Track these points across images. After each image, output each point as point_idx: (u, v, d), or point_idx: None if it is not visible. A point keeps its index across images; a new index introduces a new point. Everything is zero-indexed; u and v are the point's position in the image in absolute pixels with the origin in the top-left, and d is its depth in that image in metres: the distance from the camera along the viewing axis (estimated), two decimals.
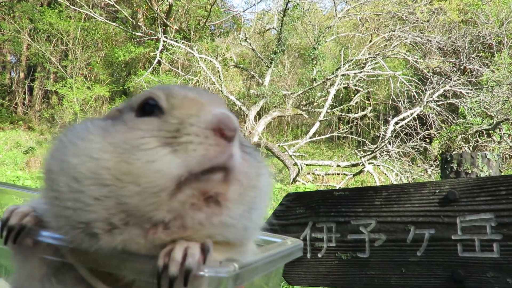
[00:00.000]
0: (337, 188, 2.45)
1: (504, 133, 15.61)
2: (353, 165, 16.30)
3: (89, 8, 22.34)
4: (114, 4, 22.21)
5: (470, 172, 2.20)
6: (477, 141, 15.92)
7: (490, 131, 15.94)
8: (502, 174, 2.05)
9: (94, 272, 1.01)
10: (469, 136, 16.00)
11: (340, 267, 2.29)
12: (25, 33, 25.13)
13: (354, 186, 14.88)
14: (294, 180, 15.45)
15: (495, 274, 1.87)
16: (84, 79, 24.27)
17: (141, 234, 0.95)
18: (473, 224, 1.95)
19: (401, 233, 2.13)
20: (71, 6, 22.51)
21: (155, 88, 1.10)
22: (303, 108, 21.07)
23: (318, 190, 2.54)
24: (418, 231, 2.08)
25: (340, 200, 2.37)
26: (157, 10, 21.98)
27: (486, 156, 2.21)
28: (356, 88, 21.28)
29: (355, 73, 19.58)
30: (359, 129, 22.73)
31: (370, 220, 2.23)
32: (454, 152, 2.23)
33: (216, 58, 21.09)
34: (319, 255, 2.36)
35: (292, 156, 16.64)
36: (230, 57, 23.15)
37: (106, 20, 22.87)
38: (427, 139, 17.24)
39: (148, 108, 1.05)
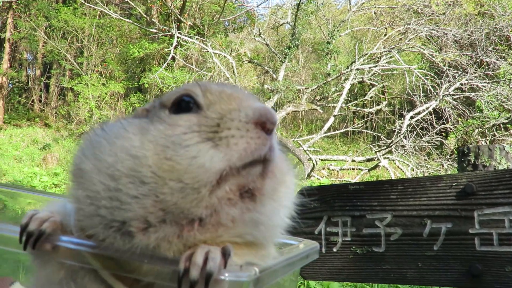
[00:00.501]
0: (356, 182, 2.43)
1: None
2: (368, 160, 16.22)
3: (104, 5, 22.43)
4: (128, 1, 22.33)
5: (487, 165, 2.16)
6: (494, 135, 15.75)
7: (508, 125, 15.76)
8: None
9: (114, 275, 1.01)
10: (486, 130, 15.83)
11: (356, 261, 2.28)
12: (41, 30, 25.37)
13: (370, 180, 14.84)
14: (309, 175, 15.41)
15: None
16: (99, 76, 24.45)
17: (176, 232, 0.95)
18: (491, 218, 1.92)
19: (417, 227, 2.11)
20: (86, 3, 22.70)
21: (190, 85, 1.10)
22: (318, 103, 20.99)
23: (333, 184, 2.52)
24: (434, 225, 2.06)
25: (355, 194, 2.35)
26: (171, 6, 22.01)
27: (504, 149, 2.17)
28: (371, 82, 21.15)
29: (369, 67, 19.45)
30: (374, 124, 22.61)
31: (386, 214, 2.21)
32: (471, 145, 2.20)
33: (230, 54, 21.10)
34: (334, 250, 2.35)
35: (307, 151, 16.59)
36: (244, 52, 23.14)
37: (120, 17, 22.94)
38: (443, 134, 17.09)
39: (184, 105, 1.05)
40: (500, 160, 2.15)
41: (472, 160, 2.21)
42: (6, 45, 26.55)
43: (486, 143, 15.10)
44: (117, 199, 0.95)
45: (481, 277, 1.91)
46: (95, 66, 25.17)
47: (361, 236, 2.27)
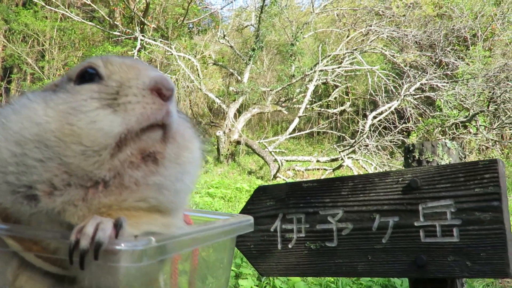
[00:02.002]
0: (309, 180, 2.50)
1: (480, 125, 15.88)
2: (332, 160, 16.42)
3: (65, 8, 22.10)
4: (91, 4, 22.01)
5: (431, 160, 2.26)
6: (454, 133, 16.16)
7: (467, 123, 16.19)
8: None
9: (39, 256, 1.01)
10: (446, 129, 16.23)
11: (310, 256, 2.35)
12: (0, 34, 24.79)
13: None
14: (275, 176, 15.51)
15: (455, 258, 1.93)
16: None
17: (81, 195, 0.98)
18: (434, 211, 2.01)
19: (367, 221, 2.19)
20: (46, 6, 22.25)
21: (93, 57, 1.13)
22: (283, 104, 21.13)
23: (288, 183, 2.60)
24: (383, 219, 2.15)
25: (308, 191, 2.42)
26: (134, 9, 21.83)
27: (446, 145, 2.28)
28: (335, 83, 21.38)
29: (333, 69, 19.70)
30: (338, 124, 22.86)
31: (338, 210, 2.29)
32: (416, 142, 2.31)
33: (195, 56, 21.06)
34: (289, 246, 2.42)
35: (272, 153, 16.70)
36: (209, 54, 23.12)
37: (82, 20, 22.64)
38: (405, 133, 17.44)
39: (88, 76, 1.08)
40: (443, 156, 2.26)
41: (417, 156, 2.31)
42: None
43: (444, 140, 15.47)
44: (23, 163, 0.97)
45: (425, 267, 2.00)
46: (57, 70, 24.71)
47: (314, 232, 2.35)
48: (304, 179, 15.26)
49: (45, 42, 24.86)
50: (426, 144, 2.30)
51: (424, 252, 2.02)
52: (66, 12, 21.56)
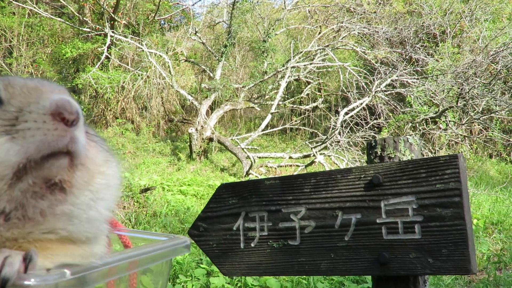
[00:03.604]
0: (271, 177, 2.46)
1: (449, 121, 16.12)
2: (305, 156, 16.48)
3: (33, 4, 21.65)
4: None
5: (393, 156, 2.24)
6: (424, 129, 16.38)
7: (436, 119, 16.42)
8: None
9: None
10: (417, 125, 16.44)
11: (272, 255, 2.31)
12: None
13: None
14: (247, 173, 15.48)
15: (417, 255, 1.92)
16: (30, 77, 23.55)
17: None
18: (396, 207, 1.99)
19: (330, 219, 2.16)
20: (14, 2, 21.78)
21: None
22: (255, 101, 21.11)
23: (250, 180, 2.55)
24: (345, 216, 2.12)
25: (271, 189, 2.38)
26: (104, 5, 21.51)
27: (408, 141, 2.26)
28: (307, 80, 21.47)
29: (305, 65, 19.73)
30: (311, 121, 22.95)
31: (300, 208, 2.25)
32: (377, 138, 2.26)
33: (167, 53, 20.85)
34: (252, 245, 2.37)
35: (245, 150, 16.66)
36: (181, 51, 22.93)
37: (51, 16, 22.19)
38: (376, 129, 17.60)
39: None
40: (404, 152, 2.24)
41: (379, 152, 2.28)
42: None
43: (405, 136, 15.67)
44: None
45: (388, 265, 1.98)
46: (25, 67, 24.20)
47: (277, 230, 2.31)
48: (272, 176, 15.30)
49: (12, 38, 24.32)
50: (388, 139, 2.27)
51: (386, 249, 1.99)
52: (34, 8, 21.11)
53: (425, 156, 2.30)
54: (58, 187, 0.97)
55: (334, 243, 2.14)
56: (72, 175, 0.99)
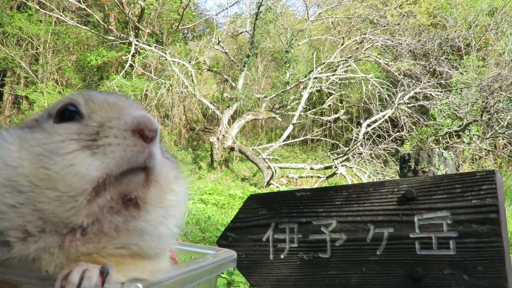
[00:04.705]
0: (302, 188, 2.45)
1: (473, 134, 15.91)
2: (326, 168, 16.41)
3: (60, 12, 22.02)
4: (85, 8, 21.96)
5: (427, 170, 2.22)
6: (448, 142, 16.18)
7: (460, 133, 16.21)
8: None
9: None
10: (440, 138, 16.25)
11: (302, 267, 2.30)
12: None
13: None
14: (268, 184, 15.46)
15: (451, 271, 1.89)
16: (55, 84, 23.91)
17: (57, 243, 0.93)
18: (430, 222, 1.97)
19: (361, 232, 2.14)
20: (41, 10, 22.18)
21: (75, 93, 1.09)
22: (277, 111, 21.13)
23: (280, 191, 2.54)
24: (377, 230, 2.10)
25: (301, 200, 2.37)
26: (129, 14, 21.79)
27: (442, 155, 2.24)
28: (329, 91, 21.42)
29: (327, 76, 19.73)
30: (332, 132, 22.87)
31: (331, 220, 2.24)
32: (410, 151, 2.26)
33: (189, 62, 21.02)
34: (282, 256, 2.36)
35: (266, 160, 16.66)
36: (204, 60, 23.09)
37: (77, 24, 22.55)
38: (398, 141, 17.44)
39: (68, 114, 1.04)
40: (439, 166, 2.21)
41: (413, 166, 2.27)
42: None
43: (440, 150, 15.49)
44: None
45: (421, 281, 1.96)
46: (51, 74, 24.60)
47: (307, 242, 2.30)
48: (298, 187, 15.25)
49: (39, 45, 24.74)
50: (422, 153, 2.25)
51: (419, 264, 1.97)
52: (61, 16, 21.48)
53: (460, 171, 2.27)
54: (132, 203, 0.98)
55: (366, 257, 2.12)
56: (146, 191, 1.00)
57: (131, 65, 21.01)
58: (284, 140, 18.84)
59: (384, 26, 20.88)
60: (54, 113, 1.05)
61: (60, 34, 24.80)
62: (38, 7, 22.16)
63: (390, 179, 14.49)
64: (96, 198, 0.93)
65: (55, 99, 21.32)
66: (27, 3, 22.84)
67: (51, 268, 0.93)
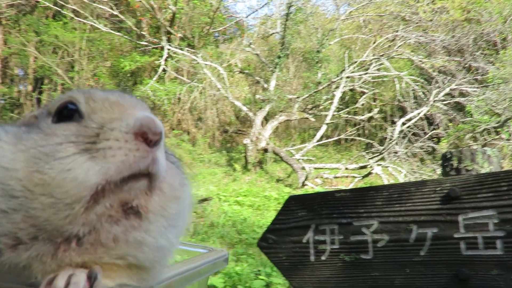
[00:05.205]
0: (342, 189, 2.42)
1: None
2: (361, 167, 16.27)
3: (94, 19, 22.45)
4: (118, 14, 22.35)
5: (470, 169, 2.17)
6: (485, 139, 15.83)
7: (498, 129, 15.85)
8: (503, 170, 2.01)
9: None
10: (477, 135, 15.92)
11: (344, 269, 2.27)
12: (31, 46, 25.29)
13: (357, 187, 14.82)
14: (303, 184, 15.42)
15: (499, 272, 1.84)
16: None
17: (50, 251, 0.88)
18: (475, 222, 1.92)
19: (404, 233, 2.11)
20: (75, 18, 22.67)
21: (75, 91, 1.03)
22: (309, 111, 21.04)
23: (320, 192, 2.52)
24: (420, 230, 2.06)
25: (341, 201, 2.35)
26: (160, 19, 22.06)
27: (486, 152, 2.19)
28: (362, 89, 21.23)
29: (360, 75, 19.56)
30: (366, 131, 22.65)
31: (372, 221, 2.21)
32: (454, 150, 2.20)
33: (221, 65, 21.13)
34: (323, 258, 2.34)
35: (300, 160, 16.63)
36: (235, 63, 23.18)
37: (110, 30, 22.97)
38: (435, 139, 17.16)
39: (67, 112, 0.98)
40: (483, 164, 2.16)
41: (455, 165, 2.22)
42: None
43: (477, 147, 15.18)
44: None
45: (468, 281, 1.91)
46: (86, 80, 25.08)
47: (348, 244, 2.27)
48: (334, 187, 15.16)
49: (74, 53, 25.26)
50: (465, 151, 2.20)
51: (465, 265, 1.92)
52: (95, 23, 21.94)
53: (505, 169, 2.22)
54: (133, 212, 0.92)
55: (409, 257, 2.08)
56: (149, 199, 0.93)
57: (164, 70, 21.28)
58: (317, 141, 18.77)
59: (417, 22, 20.59)
60: (53, 111, 0.99)
61: (95, 41, 25.28)
62: (73, 15, 22.64)
63: (430, 178, 14.26)
64: (94, 206, 0.87)
65: None
66: (62, 11, 23.39)
67: (42, 276, 0.89)
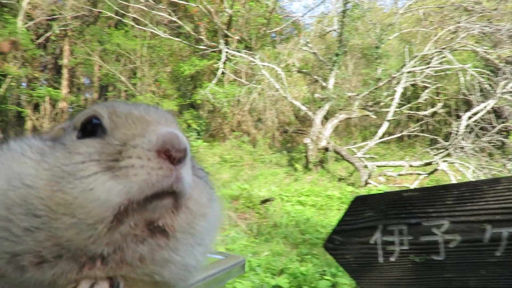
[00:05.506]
0: (409, 188, 2.36)
1: None
2: (426, 164, 15.85)
3: (153, 26, 23.04)
4: (177, 20, 22.83)
5: None
6: None
7: None
8: None
9: None
10: None
11: (415, 270, 2.21)
12: (96, 55, 26.26)
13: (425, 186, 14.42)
14: (366, 183, 15.20)
15: None
16: (153, 95, 25.01)
17: (75, 269, 0.86)
18: None
19: (477, 233, 2.03)
20: (136, 26, 23.35)
21: (100, 104, 1.00)
22: (370, 108, 20.71)
23: (386, 192, 2.47)
24: (495, 230, 1.98)
25: (409, 201, 2.29)
26: (218, 22, 22.36)
27: None
28: (424, 84, 20.69)
29: (421, 69, 19.06)
30: (430, 127, 22.06)
31: (443, 221, 2.14)
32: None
33: (279, 65, 21.16)
34: (392, 259, 2.29)
35: (362, 159, 16.40)
36: (293, 62, 23.15)
37: (170, 36, 23.51)
38: (504, 133, 16.46)
39: (91, 127, 0.96)
40: None
41: None
42: (64, 71, 27.71)
43: None
44: (7, 229, 0.85)
45: None
46: (148, 86, 25.78)
47: (418, 244, 2.21)
48: (398, 185, 14.85)
49: (136, 60, 26.00)
50: None
51: None
52: (154, 30, 22.52)
53: None
54: (160, 231, 0.90)
55: (484, 258, 2.00)
56: (175, 218, 0.91)
57: (222, 72, 21.55)
58: (379, 138, 18.46)
59: (480, 12, 19.81)
60: (78, 126, 0.98)
61: (155, 47, 25.92)
62: (133, 24, 23.34)
63: (500, 173, 13.70)
64: (118, 226, 0.85)
65: None
66: (123, 20, 24.15)
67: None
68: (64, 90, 26.90)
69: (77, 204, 0.82)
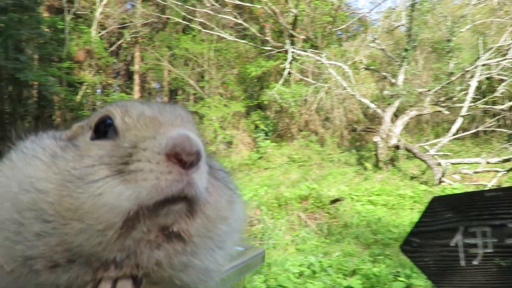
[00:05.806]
0: (488, 187, 2.24)
1: None
2: (505, 161, 15.13)
3: (220, 29, 23.39)
4: (242, 22, 23.06)
5: None
6: None
7: None
8: None
9: None
10: None
11: (501, 274, 2.09)
12: (165, 60, 27.02)
13: (508, 184, 13.73)
14: (440, 181, 14.71)
15: None
16: (221, 97, 25.40)
17: (89, 274, 0.85)
18: None
19: None
20: (203, 30, 23.81)
21: (114, 104, 0.97)
22: (442, 104, 20.01)
23: (467, 192, 2.35)
24: None
25: (492, 201, 2.16)
26: (283, 23, 22.37)
27: None
28: (500, 77, 19.75)
29: (497, 62, 18.21)
30: (508, 121, 21.05)
31: None
32: None
33: (346, 63, 20.90)
34: (475, 262, 2.18)
35: (435, 156, 15.89)
36: (360, 60, 22.79)
37: (236, 39, 23.80)
38: None
39: (104, 128, 0.93)
40: None
41: None
42: (136, 77, 28.79)
43: None
44: (19, 233, 0.84)
45: None
46: (216, 89, 26.22)
47: (504, 247, 2.09)
48: (475, 183, 14.27)
49: (203, 63, 26.52)
50: None
51: None
52: (221, 33, 22.86)
53: None
54: (175, 236, 0.86)
55: None
56: (190, 223, 0.87)
57: (289, 72, 21.55)
58: (453, 134, 17.83)
59: None
60: (93, 126, 0.95)
61: (222, 50, 26.35)
62: (200, 28, 23.82)
63: None
64: (129, 231, 0.82)
65: (222, 112, 22.61)
66: (190, 25, 24.67)
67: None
68: (136, 95, 27.93)
69: (86, 210, 0.80)
